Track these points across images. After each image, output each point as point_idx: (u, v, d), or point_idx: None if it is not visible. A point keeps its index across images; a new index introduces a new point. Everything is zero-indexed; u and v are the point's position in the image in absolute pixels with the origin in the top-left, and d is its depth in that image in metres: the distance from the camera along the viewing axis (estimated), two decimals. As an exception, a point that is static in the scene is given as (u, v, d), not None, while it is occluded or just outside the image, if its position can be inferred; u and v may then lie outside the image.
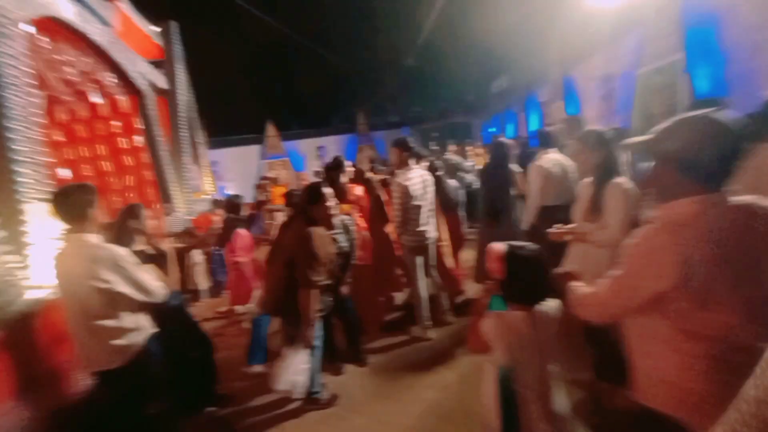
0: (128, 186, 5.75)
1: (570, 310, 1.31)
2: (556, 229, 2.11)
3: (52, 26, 3.50)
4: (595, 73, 5.98)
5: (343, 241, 2.58)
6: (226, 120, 12.33)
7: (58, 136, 5.16)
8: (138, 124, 5.54)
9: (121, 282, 1.64)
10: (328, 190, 2.34)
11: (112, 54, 4.51)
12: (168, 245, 2.32)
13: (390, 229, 3.72)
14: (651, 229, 1.06)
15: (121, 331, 1.68)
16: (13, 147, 2.59)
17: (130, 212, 2.25)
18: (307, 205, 2.32)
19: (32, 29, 3.12)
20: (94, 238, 1.65)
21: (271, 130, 12.05)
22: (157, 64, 6.88)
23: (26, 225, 2.49)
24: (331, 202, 2.34)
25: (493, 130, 14.95)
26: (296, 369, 2.20)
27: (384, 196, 3.94)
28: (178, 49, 7.25)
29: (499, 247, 1.39)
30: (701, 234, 0.97)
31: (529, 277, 1.34)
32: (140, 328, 1.77)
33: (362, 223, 3.44)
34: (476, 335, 1.39)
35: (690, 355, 1.01)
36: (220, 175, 12.22)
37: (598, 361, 2.09)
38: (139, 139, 5.60)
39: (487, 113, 15.88)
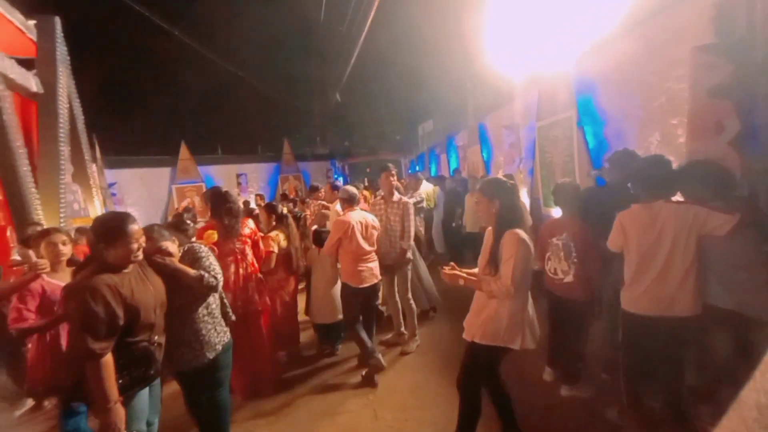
0: (-31, 206, 4.60)
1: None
2: (448, 270, 2.02)
3: None
4: (504, 123, 6.43)
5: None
6: (132, 137, 11.07)
7: None
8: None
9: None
10: (133, 227, 1.76)
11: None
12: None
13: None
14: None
15: None
16: None
17: None
18: (99, 245, 1.73)
19: None
20: None
21: (184, 152, 11.05)
22: (29, 63, 5.87)
23: None
24: (140, 238, 1.78)
25: (418, 168, 15.60)
26: None
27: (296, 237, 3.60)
28: (59, 49, 6.29)
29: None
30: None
31: None
32: None
33: (246, 264, 2.94)
34: None
35: None
36: (119, 199, 10.75)
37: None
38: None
39: (413, 152, 16.57)
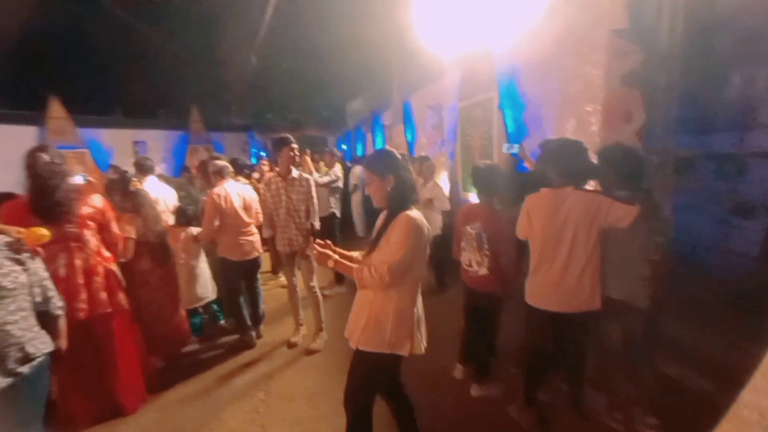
0: None
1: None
2: (320, 247, 1.68)
3: None
4: (427, 102, 6.21)
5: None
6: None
7: None
8: None
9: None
10: None
11: None
12: None
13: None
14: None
15: None
16: None
17: None
18: None
19: None
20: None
21: (56, 109, 9.09)
22: None
23: None
24: None
25: (345, 147, 15.06)
26: None
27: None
28: None
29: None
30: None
31: None
32: None
33: (97, 251, 2.27)
34: None
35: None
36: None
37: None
38: None
39: (341, 131, 15.92)
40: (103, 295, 2.27)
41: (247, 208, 3.34)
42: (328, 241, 1.74)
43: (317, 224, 3.35)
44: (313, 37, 10.42)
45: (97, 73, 11.03)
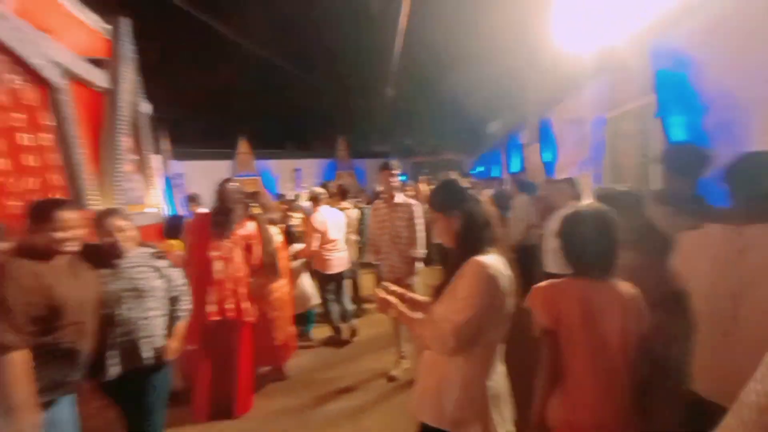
0: (31, 189, 5.03)
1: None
2: (382, 293, 1.45)
3: None
4: (568, 117, 5.39)
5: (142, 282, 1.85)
6: (196, 130, 11.82)
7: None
8: (45, 119, 4.89)
9: None
10: (64, 214, 1.57)
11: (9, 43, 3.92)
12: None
13: (279, 284, 3.13)
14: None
15: None
16: None
17: None
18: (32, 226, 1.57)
19: None
20: None
21: (243, 146, 11.51)
22: (102, 62, 6.36)
23: None
24: (71, 228, 1.58)
25: (481, 169, 14.52)
26: None
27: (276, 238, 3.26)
28: (126, 47, 6.73)
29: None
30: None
31: None
32: None
33: (241, 266, 2.70)
34: None
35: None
36: (184, 189, 11.53)
37: None
38: (46, 137, 4.94)
39: (477, 152, 15.47)
40: (244, 305, 2.62)
41: (336, 229, 3.81)
42: (395, 287, 1.52)
43: (420, 252, 3.17)
44: (447, 60, 10.51)
45: (271, 114, 13.58)
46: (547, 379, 1.34)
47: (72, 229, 1.60)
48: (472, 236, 1.31)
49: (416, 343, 1.30)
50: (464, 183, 1.42)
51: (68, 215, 1.59)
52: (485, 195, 6.53)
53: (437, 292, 1.38)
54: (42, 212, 1.57)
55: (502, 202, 5.75)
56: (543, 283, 1.38)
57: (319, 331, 4.16)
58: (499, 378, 1.36)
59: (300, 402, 2.98)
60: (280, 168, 12.43)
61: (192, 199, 4.20)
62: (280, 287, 3.24)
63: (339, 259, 3.87)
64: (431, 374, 1.36)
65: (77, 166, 5.12)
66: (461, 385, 1.28)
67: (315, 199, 3.83)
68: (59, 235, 1.56)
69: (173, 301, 2.03)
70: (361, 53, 11.15)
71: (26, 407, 1.42)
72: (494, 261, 1.27)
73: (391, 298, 1.43)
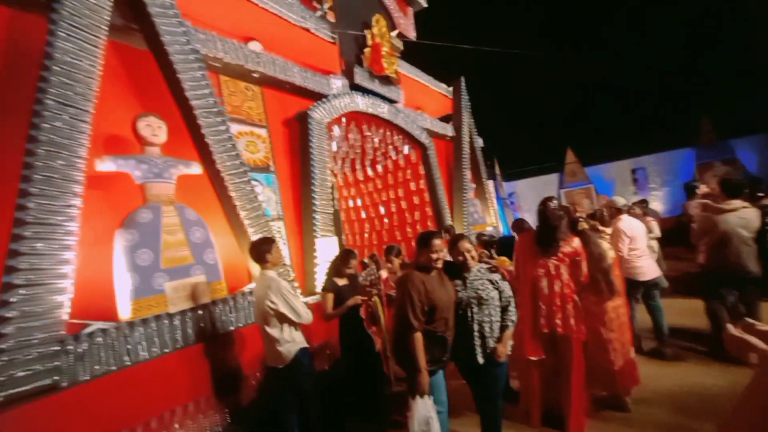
0: (415, 220, 7.27)
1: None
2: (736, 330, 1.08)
3: (354, 116, 5.24)
4: None
5: (474, 293, 2.36)
6: (524, 151, 12.61)
7: (369, 187, 7.52)
8: (421, 170, 6.95)
9: (282, 304, 2.41)
10: (436, 241, 2.29)
11: (398, 122, 6.02)
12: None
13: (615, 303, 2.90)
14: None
15: (281, 340, 2.45)
16: (314, 203, 4.22)
17: (341, 257, 3.18)
18: (418, 249, 2.33)
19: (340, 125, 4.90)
20: (271, 273, 2.52)
21: (570, 156, 11.20)
22: (447, 117, 8.29)
23: (316, 252, 4.05)
24: (440, 250, 2.28)
25: None
26: (421, 419, 2.16)
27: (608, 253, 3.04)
28: (463, 100, 8.39)
29: None
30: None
31: None
32: (294, 341, 2.48)
33: (567, 283, 2.72)
34: None
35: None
36: (517, 207, 12.52)
37: None
38: (422, 183, 7.01)
39: None
40: (572, 321, 2.70)
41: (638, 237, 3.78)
42: (750, 320, 1.14)
43: None
44: None
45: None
46: None
47: (440, 251, 2.28)
48: None
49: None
50: None
51: (438, 242, 2.28)
52: None
53: None
54: (425, 240, 2.31)
55: None
56: None
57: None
58: None
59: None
60: (614, 172, 11.08)
61: (515, 227, 4.26)
62: (615, 307, 2.99)
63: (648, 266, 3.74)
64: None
65: (441, 201, 6.95)
66: None
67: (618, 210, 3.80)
68: (434, 255, 2.26)
69: (503, 310, 2.39)
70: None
71: (424, 369, 2.16)
72: None
73: (748, 336, 1.09)
